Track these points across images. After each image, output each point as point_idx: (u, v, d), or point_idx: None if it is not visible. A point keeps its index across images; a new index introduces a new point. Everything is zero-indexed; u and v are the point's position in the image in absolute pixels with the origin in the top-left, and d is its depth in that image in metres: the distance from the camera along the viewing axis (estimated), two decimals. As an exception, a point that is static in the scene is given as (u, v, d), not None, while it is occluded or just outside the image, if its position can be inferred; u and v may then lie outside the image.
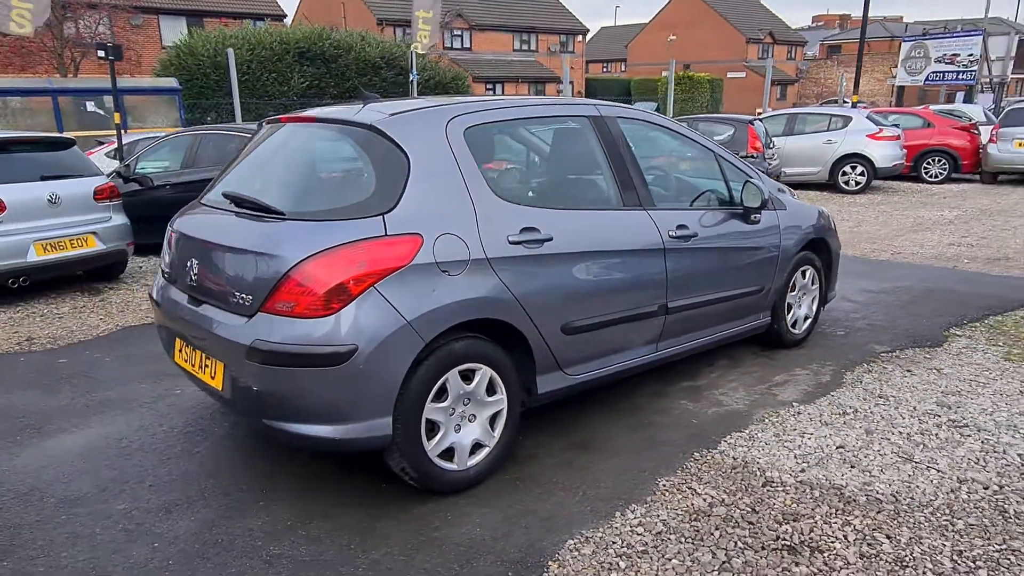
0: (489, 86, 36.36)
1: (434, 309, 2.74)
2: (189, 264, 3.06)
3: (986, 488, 2.99)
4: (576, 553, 2.59)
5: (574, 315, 3.23)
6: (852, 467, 3.18)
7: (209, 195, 3.44)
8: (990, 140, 13.85)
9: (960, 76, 20.91)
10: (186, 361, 3.17)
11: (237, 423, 3.74)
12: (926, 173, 14.48)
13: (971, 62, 20.30)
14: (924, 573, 2.45)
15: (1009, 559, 2.52)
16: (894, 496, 2.94)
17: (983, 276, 6.82)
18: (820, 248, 4.79)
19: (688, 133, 4.09)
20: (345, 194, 2.98)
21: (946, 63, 20.92)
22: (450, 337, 2.82)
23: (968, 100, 19.74)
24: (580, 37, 42.34)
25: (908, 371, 4.34)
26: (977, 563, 2.50)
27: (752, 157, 11.10)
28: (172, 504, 2.97)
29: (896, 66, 40.69)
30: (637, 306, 3.53)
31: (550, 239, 3.12)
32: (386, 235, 2.68)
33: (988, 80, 22.24)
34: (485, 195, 2.99)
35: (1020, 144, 13.42)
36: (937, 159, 14.44)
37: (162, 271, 3.44)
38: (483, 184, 3.00)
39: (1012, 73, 25.07)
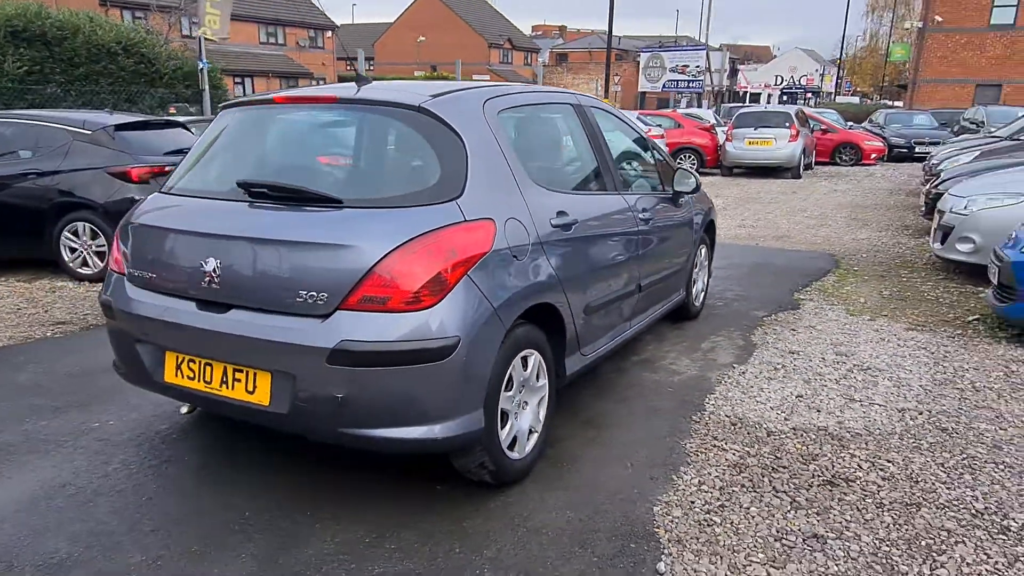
0: (238, 80, 33.89)
1: (512, 295, 2.68)
2: (202, 265, 2.62)
3: (920, 414, 3.68)
4: (671, 518, 2.72)
5: (591, 296, 3.34)
6: (818, 411, 3.70)
7: (187, 184, 2.97)
8: (727, 139, 16.25)
9: (691, 84, 24.36)
10: (192, 379, 2.71)
11: (206, 447, 3.25)
12: (680, 168, 16.55)
13: (699, 72, 23.78)
14: (931, 483, 2.98)
15: (974, 463, 3.16)
16: (866, 430, 3.49)
17: (783, 252, 8.09)
18: (710, 228, 5.39)
19: (631, 123, 4.38)
20: (407, 179, 2.76)
21: (679, 72, 24.24)
22: (515, 324, 2.78)
23: (698, 105, 23.02)
24: (329, 33, 41.22)
25: (793, 330, 5.08)
26: (957, 470, 3.10)
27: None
28: (202, 548, 2.54)
29: (619, 74, 45.24)
30: (626, 285, 3.73)
31: (576, 222, 3.20)
32: (465, 220, 2.57)
33: (712, 88, 26.10)
34: (526, 178, 2.97)
35: (750, 143, 15.92)
36: (687, 155, 16.57)
37: (131, 276, 2.88)
38: (521, 167, 2.98)
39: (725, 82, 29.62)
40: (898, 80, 53.80)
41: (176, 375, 2.77)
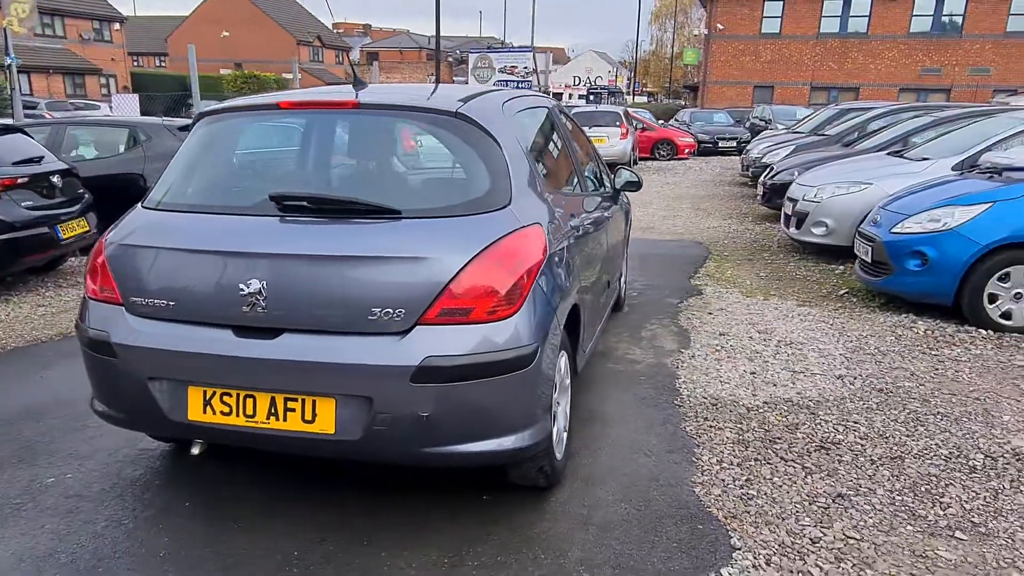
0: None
1: (563, 299, 2.71)
2: (241, 288, 2.37)
3: (855, 379, 4.18)
4: (714, 497, 2.89)
5: (591, 294, 3.43)
6: (775, 385, 4.08)
7: (186, 200, 2.67)
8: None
9: (520, 85, 25.06)
10: (227, 414, 2.45)
11: (200, 488, 2.93)
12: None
13: (527, 72, 24.58)
14: (899, 438, 3.42)
15: (919, 417, 3.65)
16: (823, 397, 3.91)
17: (657, 242, 8.67)
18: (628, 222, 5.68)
19: (576, 124, 4.51)
20: (459, 187, 2.66)
21: (507, 73, 24.89)
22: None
23: None
24: (117, 25, 37.24)
25: (710, 313, 5.52)
26: (911, 423, 3.58)
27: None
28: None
29: (431, 74, 45.43)
30: (603, 280, 3.87)
31: (581, 222, 3.27)
32: (523, 227, 2.55)
33: (539, 88, 27.15)
34: (544, 180, 3.00)
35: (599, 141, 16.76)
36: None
37: (133, 305, 2.52)
38: (538, 169, 3.00)
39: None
40: (685, 81, 58.96)
41: (204, 412, 2.48)
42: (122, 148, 7.48)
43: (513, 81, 24.73)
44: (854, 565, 2.46)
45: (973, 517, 2.75)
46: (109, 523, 2.72)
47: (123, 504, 2.85)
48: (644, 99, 63.32)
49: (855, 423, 3.56)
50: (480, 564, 2.47)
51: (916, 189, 5.96)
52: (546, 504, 2.83)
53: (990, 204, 5.00)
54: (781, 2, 34.14)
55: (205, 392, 2.48)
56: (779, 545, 2.57)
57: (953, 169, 6.66)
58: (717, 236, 9.02)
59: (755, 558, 2.49)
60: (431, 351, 2.29)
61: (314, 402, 2.38)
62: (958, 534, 2.64)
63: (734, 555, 2.51)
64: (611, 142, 16.54)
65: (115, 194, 6.34)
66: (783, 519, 2.73)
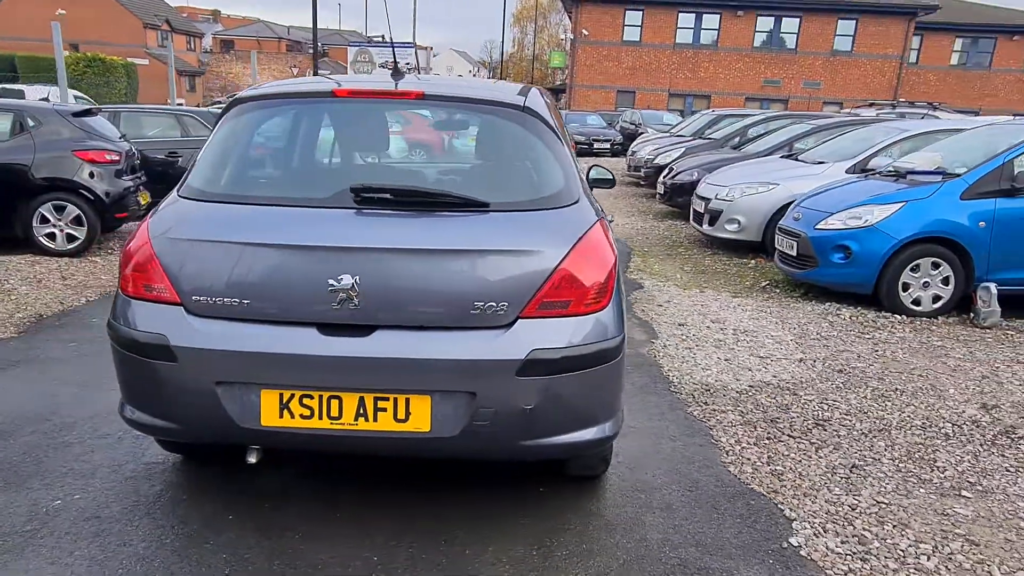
0: None
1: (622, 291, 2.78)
2: (332, 284, 2.24)
3: (815, 362, 4.56)
4: (749, 474, 3.08)
5: None
6: (750, 370, 4.37)
7: (241, 191, 2.49)
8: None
9: None
10: (308, 418, 2.31)
11: (240, 500, 2.74)
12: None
13: (409, 69, 24.01)
14: (877, 412, 3.78)
15: (882, 394, 4.05)
16: (796, 379, 4.24)
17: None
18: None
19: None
20: (533, 180, 2.62)
21: (388, 68, 24.15)
22: None
23: None
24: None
25: (660, 305, 5.79)
26: (880, 400, 3.97)
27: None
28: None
29: (296, 66, 43.78)
30: None
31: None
32: (599, 220, 2.60)
33: None
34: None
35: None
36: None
37: (195, 304, 2.31)
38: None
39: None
40: (546, 83, 60.43)
41: (281, 416, 2.32)
42: (6, 134, 6.66)
43: (394, 77, 24.26)
44: (895, 526, 2.72)
45: (968, 478, 3.12)
46: (150, 543, 2.48)
47: (155, 522, 2.61)
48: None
49: (835, 401, 3.90)
50: (568, 554, 2.49)
51: (826, 189, 6.56)
52: (604, 491, 2.90)
53: (903, 203, 5.62)
54: (640, 12, 35.93)
55: (282, 395, 2.32)
56: (826, 514, 2.79)
57: (847, 172, 7.38)
58: (630, 233, 9.42)
59: (812, 527, 2.69)
60: (536, 344, 2.29)
61: (408, 400, 2.31)
62: (964, 493, 2.99)
63: (793, 525, 2.70)
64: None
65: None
66: (817, 490, 2.96)
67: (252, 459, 2.50)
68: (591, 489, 2.91)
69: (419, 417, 2.31)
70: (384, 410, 2.31)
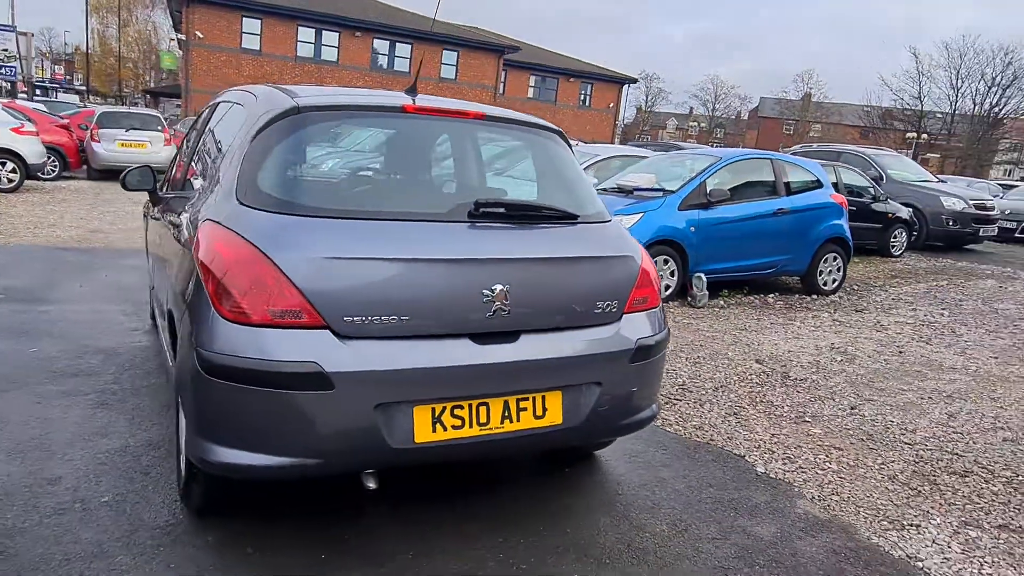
0: None
1: None
2: (485, 294, 2.36)
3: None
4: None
5: None
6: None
7: (339, 205, 2.49)
8: (92, 139, 14.74)
9: (1, 70, 19.45)
10: (459, 427, 2.38)
11: (250, 525, 2.56)
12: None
13: (9, 57, 19.25)
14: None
15: (696, 359, 5.23)
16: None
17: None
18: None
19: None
20: (584, 195, 2.91)
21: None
22: None
23: (13, 95, 18.81)
24: None
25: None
26: (695, 364, 5.11)
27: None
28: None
29: None
30: None
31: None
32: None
33: (23, 76, 21.43)
34: None
35: (123, 144, 14.91)
36: (49, 156, 14.25)
37: (346, 326, 2.17)
38: None
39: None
40: (160, 84, 54.18)
41: (434, 431, 2.35)
42: None
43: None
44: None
45: (799, 408, 4.37)
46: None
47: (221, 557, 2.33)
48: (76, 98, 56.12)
49: (675, 369, 4.93)
50: (628, 534, 2.95)
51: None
52: (615, 491, 3.39)
53: (643, 214, 7.05)
54: (259, 21, 35.01)
55: (434, 409, 2.35)
56: (748, 441, 3.72)
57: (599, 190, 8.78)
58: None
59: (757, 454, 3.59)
60: (639, 334, 2.72)
61: (543, 397, 2.53)
62: (806, 419, 4.21)
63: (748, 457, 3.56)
64: (153, 147, 15.02)
65: None
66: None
67: (372, 484, 2.42)
68: (616, 467, 3.38)
69: (553, 411, 2.56)
70: (525, 409, 2.51)
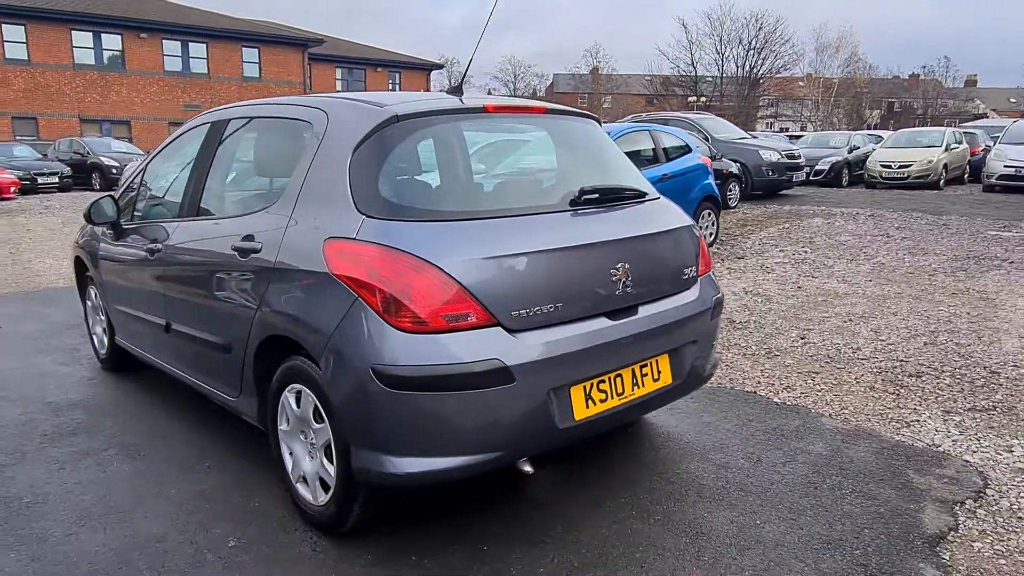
0: None
1: None
2: (612, 274, 2.56)
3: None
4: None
5: None
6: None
7: (455, 207, 2.68)
8: None
9: None
10: (604, 401, 2.59)
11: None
12: None
13: None
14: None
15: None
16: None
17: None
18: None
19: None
20: (634, 172, 3.15)
21: None
22: None
23: None
24: None
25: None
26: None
27: None
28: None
29: None
30: None
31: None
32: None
33: None
34: None
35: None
36: None
37: (513, 319, 2.31)
38: None
39: None
40: None
41: (587, 407, 2.53)
42: None
43: None
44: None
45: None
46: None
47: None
48: None
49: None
50: (695, 506, 3.30)
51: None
52: (674, 436, 3.71)
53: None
54: (22, 27, 31.09)
55: (585, 387, 2.54)
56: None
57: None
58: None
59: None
60: (712, 293, 3.05)
61: (656, 361, 2.79)
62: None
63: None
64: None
65: None
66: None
67: (529, 468, 2.56)
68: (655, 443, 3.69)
69: (665, 373, 2.84)
70: (647, 375, 2.76)
